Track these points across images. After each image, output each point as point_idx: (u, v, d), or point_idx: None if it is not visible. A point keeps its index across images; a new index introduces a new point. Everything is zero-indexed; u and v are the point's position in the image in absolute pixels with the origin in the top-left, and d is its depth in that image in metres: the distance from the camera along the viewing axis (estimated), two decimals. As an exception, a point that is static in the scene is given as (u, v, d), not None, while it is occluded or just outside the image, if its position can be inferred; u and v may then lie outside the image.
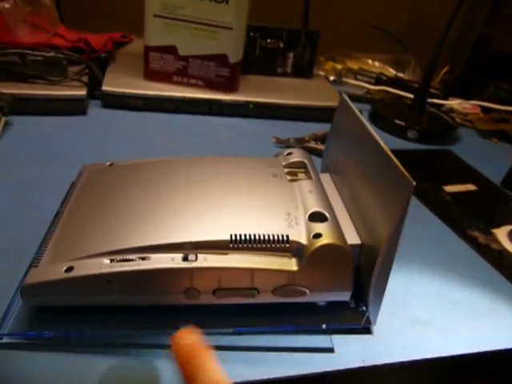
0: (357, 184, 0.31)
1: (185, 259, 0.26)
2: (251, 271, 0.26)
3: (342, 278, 0.27)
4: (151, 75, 0.60)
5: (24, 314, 0.27)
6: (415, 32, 0.92)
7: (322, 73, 0.78)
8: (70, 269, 0.26)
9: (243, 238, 0.26)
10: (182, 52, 0.58)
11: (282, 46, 0.68)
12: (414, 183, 0.24)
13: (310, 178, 0.33)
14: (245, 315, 0.24)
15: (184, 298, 0.27)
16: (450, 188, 0.50)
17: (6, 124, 0.49)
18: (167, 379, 0.25)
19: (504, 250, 0.41)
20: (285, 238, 0.27)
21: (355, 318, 0.29)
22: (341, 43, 0.86)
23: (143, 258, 0.26)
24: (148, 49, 0.58)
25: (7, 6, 0.55)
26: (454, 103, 0.74)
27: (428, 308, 0.33)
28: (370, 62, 0.85)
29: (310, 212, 0.29)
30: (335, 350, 0.28)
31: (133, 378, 0.25)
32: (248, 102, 0.60)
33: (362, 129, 0.31)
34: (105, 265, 0.26)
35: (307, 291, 0.27)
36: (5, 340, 0.26)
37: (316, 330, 0.29)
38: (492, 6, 0.81)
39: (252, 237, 0.27)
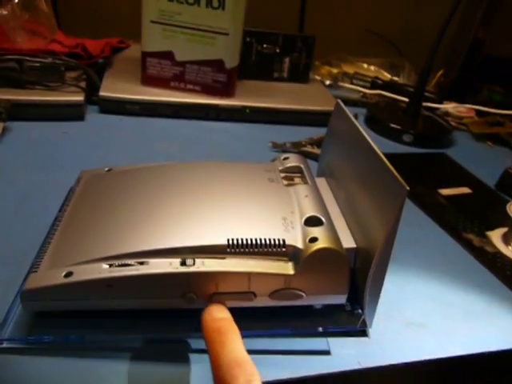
0: (352, 188, 0.32)
1: (183, 264, 0.26)
2: (248, 275, 0.26)
3: (337, 282, 0.28)
4: (148, 81, 0.60)
5: (24, 319, 0.28)
6: (410, 36, 0.93)
7: (317, 77, 0.79)
8: (69, 274, 0.26)
9: (240, 242, 0.27)
10: (178, 58, 0.58)
11: (278, 50, 0.69)
12: (408, 188, 0.24)
13: (306, 182, 0.34)
14: (241, 319, 0.24)
15: (182, 303, 0.27)
16: (445, 191, 0.51)
17: (4, 130, 0.49)
18: (168, 382, 0.26)
19: (498, 253, 0.42)
20: (281, 243, 0.27)
21: (351, 320, 0.30)
22: (336, 47, 0.87)
23: (142, 263, 0.26)
24: (145, 54, 0.59)
25: (5, 12, 0.56)
26: (449, 107, 0.75)
27: (423, 310, 0.34)
28: (365, 66, 0.85)
29: (306, 216, 0.29)
30: (331, 352, 0.29)
31: (134, 382, 0.25)
32: (245, 107, 0.61)
33: (356, 134, 0.32)
34: (104, 270, 0.26)
35: (303, 294, 0.28)
36: (5, 345, 0.26)
37: (312, 332, 0.29)
38: (486, 10, 0.81)
39: (249, 241, 0.27)
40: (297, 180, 0.34)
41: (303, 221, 0.29)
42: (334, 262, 0.27)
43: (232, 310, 0.26)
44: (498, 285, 0.38)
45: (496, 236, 0.44)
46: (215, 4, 0.54)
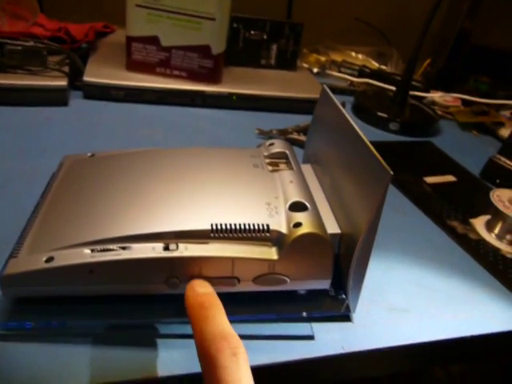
0: (337, 174, 0.32)
1: (166, 249, 0.26)
2: (232, 260, 0.26)
3: (321, 267, 0.28)
4: (134, 66, 0.59)
5: (4, 305, 0.27)
6: (398, 25, 0.93)
7: (305, 65, 0.78)
8: (50, 259, 0.26)
9: (224, 227, 0.27)
10: (164, 43, 0.57)
11: (265, 37, 0.68)
12: (392, 173, 0.24)
13: (291, 168, 0.33)
14: (225, 304, 0.24)
15: (165, 288, 0.27)
16: (430, 179, 0.51)
17: (-15, 115, 0.48)
18: (151, 368, 0.26)
19: (481, 240, 0.42)
20: (265, 228, 0.27)
21: (335, 305, 0.30)
22: (324, 35, 0.87)
23: (124, 248, 0.26)
24: (130, 39, 0.58)
25: (-15, -6, 0.54)
26: (436, 96, 0.75)
27: (407, 295, 0.34)
28: (353, 54, 0.85)
29: (290, 202, 0.29)
30: (315, 337, 0.29)
31: (116, 368, 0.25)
32: (231, 94, 0.60)
33: (342, 120, 0.32)
34: (85, 255, 0.26)
35: (287, 280, 0.28)
36: (-16, 331, 0.26)
37: (296, 317, 0.29)
38: (473, 1, 0.81)
39: (232, 226, 0.27)
40: (282, 166, 0.34)
41: (287, 206, 0.29)
42: (318, 247, 0.27)
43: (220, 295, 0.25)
44: (480, 271, 0.38)
45: (479, 223, 0.44)
46: (201, -12, 0.54)
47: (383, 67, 0.84)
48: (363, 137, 0.28)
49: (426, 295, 0.34)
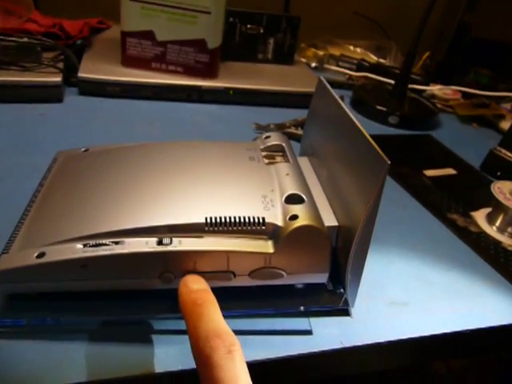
0: (334, 166, 0.31)
1: (159, 243, 0.25)
2: (227, 254, 0.26)
3: (318, 260, 0.27)
4: (129, 61, 0.59)
5: (-4, 302, 0.27)
6: (397, 18, 0.92)
7: (303, 59, 0.78)
8: (41, 254, 0.25)
9: (218, 220, 0.26)
10: (159, 37, 0.57)
11: (262, 31, 0.68)
12: (389, 162, 0.24)
13: (287, 161, 0.33)
14: (221, 299, 0.24)
15: (159, 283, 0.26)
16: (429, 172, 0.51)
17: (-22, 112, 0.47)
18: (146, 364, 0.25)
19: (482, 233, 0.42)
20: (261, 221, 0.26)
21: (333, 300, 0.29)
22: (322, 29, 0.86)
23: (117, 243, 0.25)
24: (125, 34, 0.57)
25: (-22, -10, 0.54)
26: (435, 89, 0.74)
27: (407, 289, 0.33)
28: (351, 48, 0.84)
29: (286, 194, 0.28)
30: (313, 332, 0.28)
31: (110, 365, 0.25)
32: (228, 89, 0.60)
33: (338, 111, 0.31)
34: (78, 250, 0.25)
35: (284, 273, 0.27)
36: (-24, 329, 0.25)
37: (294, 312, 0.29)
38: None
39: (227, 219, 0.26)
40: (278, 158, 0.33)
41: (284, 199, 0.28)
42: (315, 240, 0.26)
43: (211, 290, 0.25)
44: (481, 264, 0.38)
45: (480, 216, 0.44)
46: (196, -19, 0.53)
47: (382, 61, 0.83)
48: (360, 127, 0.27)
49: (426, 289, 0.34)
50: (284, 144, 0.35)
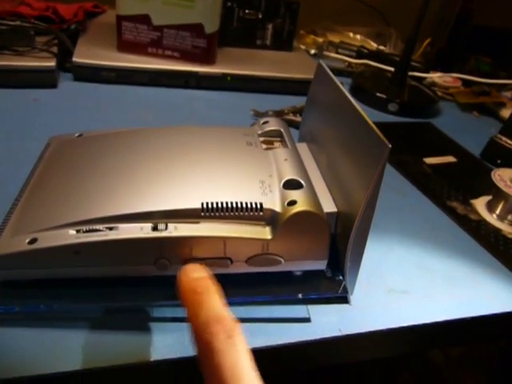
0: (334, 152, 0.31)
1: (154, 229, 0.25)
2: (224, 240, 0.25)
3: (317, 246, 0.27)
4: (125, 46, 0.58)
5: (-12, 289, 0.26)
6: (397, 5, 0.91)
7: (302, 46, 0.77)
8: (33, 240, 0.24)
9: (215, 206, 0.25)
10: (156, 22, 0.56)
11: (260, 16, 0.66)
12: (390, 145, 0.23)
13: (285, 146, 0.32)
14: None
15: (154, 269, 0.26)
16: (430, 160, 0.50)
17: (-29, 97, 0.46)
18: (139, 353, 0.25)
19: (482, 220, 0.41)
20: (258, 206, 0.26)
21: (332, 287, 0.29)
22: (322, 16, 0.85)
23: (111, 228, 0.25)
24: (120, 18, 0.56)
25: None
26: (435, 76, 0.73)
27: (406, 277, 0.33)
28: (351, 35, 0.83)
29: (284, 179, 0.28)
30: (312, 319, 0.28)
31: (104, 353, 0.24)
32: (226, 75, 0.59)
33: (338, 95, 0.30)
34: (70, 236, 0.25)
35: (282, 260, 0.27)
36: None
37: (292, 299, 0.28)
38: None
39: (224, 205, 0.26)
40: (276, 144, 0.33)
41: (282, 184, 0.27)
42: (314, 226, 0.26)
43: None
44: (481, 251, 0.38)
45: (480, 204, 0.43)
46: (193, -36, 0.52)
47: (382, 48, 0.82)
48: (360, 110, 0.27)
49: (426, 276, 0.34)
50: (282, 129, 0.34)
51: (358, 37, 0.84)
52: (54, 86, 0.52)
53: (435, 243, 0.37)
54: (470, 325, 0.31)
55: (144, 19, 0.55)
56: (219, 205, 0.25)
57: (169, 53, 0.58)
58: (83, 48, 0.57)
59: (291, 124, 0.49)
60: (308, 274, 0.29)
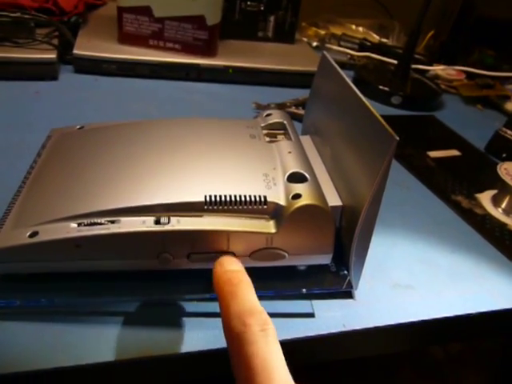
0: (338, 145, 0.30)
1: (157, 222, 0.24)
2: (227, 234, 0.25)
3: (322, 241, 0.26)
4: (126, 38, 0.57)
5: (-12, 283, 0.26)
6: (400, -3, 0.90)
7: (304, 39, 0.76)
8: (34, 234, 0.24)
9: (218, 199, 0.25)
10: (157, 13, 0.55)
11: (262, 8, 0.66)
12: (398, 138, 0.23)
13: (289, 139, 0.32)
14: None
15: (156, 263, 0.25)
16: (433, 153, 0.50)
17: (-30, 89, 0.46)
18: (141, 347, 0.24)
19: (487, 215, 0.41)
20: (262, 199, 0.25)
21: (336, 282, 0.28)
22: (324, 8, 0.84)
23: (113, 222, 0.24)
24: (121, 10, 0.55)
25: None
26: (439, 69, 0.72)
27: (411, 272, 0.33)
28: (353, 27, 0.82)
29: (289, 173, 0.27)
30: (316, 315, 0.28)
31: (105, 348, 0.24)
32: (227, 67, 0.58)
33: (343, 87, 0.30)
34: (72, 229, 0.24)
35: (286, 254, 0.26)
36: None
37: (296, 294, 0.28)
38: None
39: (228, 198, 0.25)
40: (280, 136, 0.32)
41: (286, 177, 0.27)
42: (319, 220, 0.26)
43: (211, 272, 0.24)
44: (486, 246, 0.37)
45: (485, 198, 0.43)
46: (195, -46, 0.51)
47: (384, 40, 0.81)
48: (366, 102, 0.26)
49: (430, 271, 0.33)
50: (285, 122, 0.34)
51: (361, 29, 0.83)
52: (54, 78, 0.52)
53: (439, 238, 0.37)
54: (475, 320, 0.31)
55: (145, 11, 0.55)
56: (223, 198, 0.25)
57: (170, 45, 0.57)
58: (84, 40, 0.56)
59: (293, 117, 0.48)
60: (312, 269, 0.28)
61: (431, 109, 0.63)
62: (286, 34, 0.69)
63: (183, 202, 0.25)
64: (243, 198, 0.25)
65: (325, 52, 0.35)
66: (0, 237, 0.25)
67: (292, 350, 0.27)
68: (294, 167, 0.28)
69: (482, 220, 0.40)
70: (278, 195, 0.26)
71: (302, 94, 0.55)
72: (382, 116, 0.25)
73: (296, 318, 0.27)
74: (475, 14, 0.82)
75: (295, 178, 0.27)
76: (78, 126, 0.35)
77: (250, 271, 0.26)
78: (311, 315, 0.28)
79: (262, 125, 0.33)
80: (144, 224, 0.24)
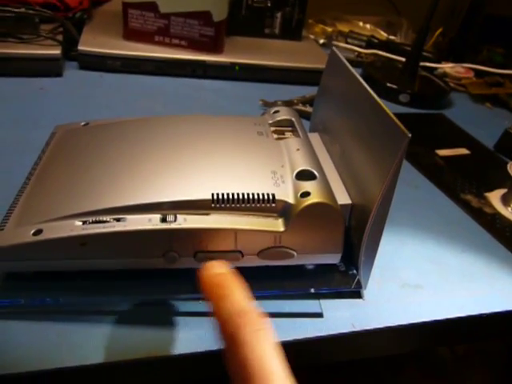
0: (348, 142, 0.30)
1: (163, 220, 0.24)
2: (235, 232, 0.24)
3: (331, 239, 0.26)
4: (131, 35, 0.57)
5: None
6: (408, -6, 0.89)
7: (311, 36, 0.75)
8: (38, 232, 0.24)
9: (226, 197, 0.25)
10: (163, 9, 0.54)
11: (269, 4, 0.65)
12: (410, 135, 0.22)
13: (297, 136, 0.31)
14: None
15: (162, 262, 0.25)
16: (442, 152, 0.49)
17: (-25, 85, 0.46)
18: (146, 348, 0.24)
19: (497, 214, 0.40)
20: (271, 197, 0.25)
21: (345, 281, 0.28)
22: (331, 5, 0.83)
23: (118, 220, 0.24)
24: (126, 5, 0.55)
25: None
26: (447, 67, 0.72)
27: (420, 271, 0.32)
28: (360, 24, 0.82)
29: (297, 170, 0.27)
30: (324, 314, 0.27)
31: (110, 348, 0.24)
32: (234, 64, 0.57)
33: (353, 83, 0.29)
34: (77, 227, 0.24)
35: (295, 253, 0.26)
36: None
37: (304, 294, 0.27)
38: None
39: (235, 196, 0.25)
40: (288, 134, 0.32)
41: (294, 175, 0.26)
42: (328, 219, 0.25)
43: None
44: (496, 246, 0.37)
45: (495, 197, 0.42)
46: (201, -50, 0.51)
47: (392, 38, 0.80)
48: (377, 99, 0.26)
49: (440, 271, 0.33)
50: (293, 119, 0.33)
51: (368, 26, 0.82)
52: (59, 74, 0.52)
53: (449, 237, 0.36)
54: (486, 321, 0.30)
55: (151, 7, 0.54)
56: (230, 196, 0.25)
57: (176, 41, 0.57)
58: (89, 36, 0.56)
59: (300, 114, 0.48)
60: (320, 268, 0.28)
61: (440, 107, 0.62)
62: (293, 31, 0.68)
63: (190, 200, 0.24)
64: (251, 196, 0.25)
65: (334, 48, 0.34)
66: (4, 235, 0.24)
67: (300, 350, 0.27)
68: (303, 165, 0.27)
69: (492, 219, 0.39)
70: (286, 193, 0.25)
71: (308, 91, 0.55)
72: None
73: (304, 318, 0.27)
74: (484, 12, 0.81)
75: (304, 175, 0.26)
76: (82, 123, 0.34)
77: (257, 270, 0.26)
78: (320, 315, 0.27)
79: (270, 122, 0.33)
80: (150, 222, 0.24)
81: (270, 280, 0.27)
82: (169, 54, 0.56)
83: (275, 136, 0.31)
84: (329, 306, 0.28)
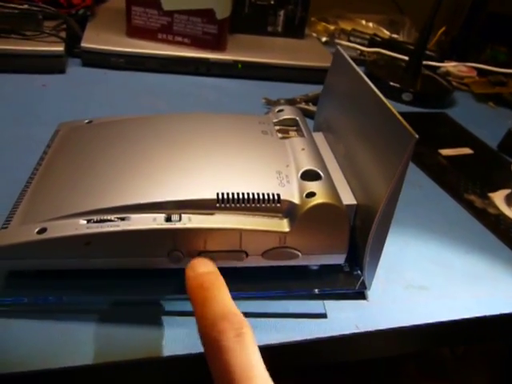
0: (353, 142, 0.29)
1: (168, 220, 0.24)
2: (239, 232, 0.24)
3: (336, 240, 0.26)
4: (134, 32, 0.56)
5: (-3, 279, 0.25)
6: (411, -8, 0.89)
7: (314, 34, 0.75)
8: (42, 230, 0.24)
9: (231, 197, 0.24)
10: (166, 6, 0.54)
11: (272, 2, 0.65)
12: (417, 136, 0.22)
13: (302, 135, 0.31)
14: (232, 280, 0.22)
15: (167, 262, 0.25)
16: (445, 151, 0.49)
17: (-23, 82, 0.46)
18: (153, 347, 0.24)
19: (501, 214, 0.40)
20: (276, 198, 0.25)
21: (350, 282, 0.28)
22: (333, 3, 0.83)
23: (123, 219, 0.24)
24: (130, 3, 0.55)
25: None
26: (450, 66, 0.71)
27: (424, 273, 0.32)
28: (363, 22, 0.81)
29: (302, 170, 0.27)
30: (328, 315, 0.27)
31: (115, 347, 0.24)
32: (237, 62, 0.57)
33: (358, 82, 0.29)
34: (81, 226, 0.24)
35: (299, 254, 0.26)
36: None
37: (308, 294, 0.27)
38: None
39: (240, 196, 0.25)
40: (292, 133, 0.32)
41: (299, 175, 0.26)
42: (333, 219, 0.25)
43: (222, 270, 0.23)
44: (500, 247, 0.36)
45: (499, 197, 0.42)
46: None
47: (395, 36, 0.80)
48: (383, 98, 0.26)
49: (444, 272, 0.32)
50: (298, 118, 0.33)
51: (371, 25, 0.82)
52: (62, 71, 0.51)
53: (452, 238, 0.36)
54: (490, 323, 0.30)
55: (154, 4, 0.54)
56: (235, 196, 0.25)
57: (179, 39, 0.56)
58: (92, 33, 0.56)
59: (303, 113, 0.48)
60: (324, 269, 0.28)
61: (442, 106, 0.62)
62: (296, 29, 0.68)
63: (195, 200, 0.24)
64: (256, 196, 0.25)
65: (339, 47, 0.34)
66: (8, 233, 0.24)
67: (304, 351, 0.26)
68: (308, 164, 0.27)
69: (496, 220, 0.39)
70: (291, 193, 0.25)
71: (311, 89, 0.55)
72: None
73: (308, 319, 0.27)
74: (487, 10, 0.81)
75: (309, 175, 0.26)
76: (86, 120, 0.34)
77: (262, 270, 0.25)
78: (323, 316, 0.27)
79: (274, 121, 0.33)
80: (155, 221, 0.24)
81: (274, 280, 0.27)
82: (172, 51, 0.56)
83: (280, 135, 0.31)
84: (333, 306, 0.27)
